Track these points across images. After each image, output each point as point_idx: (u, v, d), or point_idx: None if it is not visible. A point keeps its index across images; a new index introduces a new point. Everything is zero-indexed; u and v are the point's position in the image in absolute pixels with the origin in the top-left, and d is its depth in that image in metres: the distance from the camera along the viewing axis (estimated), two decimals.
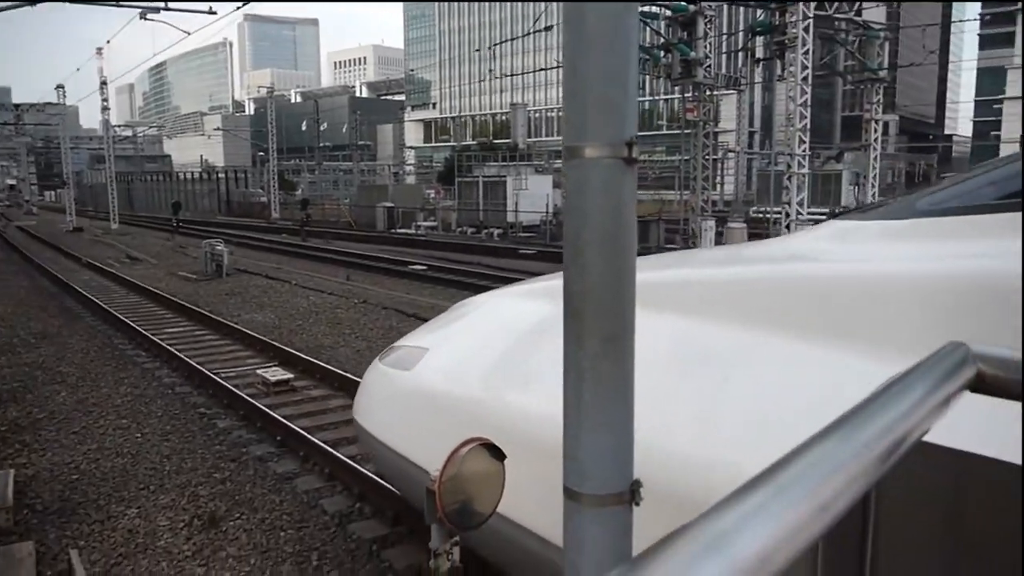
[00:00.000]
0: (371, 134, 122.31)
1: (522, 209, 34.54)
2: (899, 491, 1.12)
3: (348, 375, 9.39)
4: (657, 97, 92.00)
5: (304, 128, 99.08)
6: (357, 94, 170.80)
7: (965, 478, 1.11)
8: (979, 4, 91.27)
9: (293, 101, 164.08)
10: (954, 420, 1.20)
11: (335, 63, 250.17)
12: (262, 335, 12.02)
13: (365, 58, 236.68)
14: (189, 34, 24.55)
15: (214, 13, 24.24)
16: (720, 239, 24.74)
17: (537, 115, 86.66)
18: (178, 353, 10.74)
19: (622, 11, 1.17)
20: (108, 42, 37.09)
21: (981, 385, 0.99)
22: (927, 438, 0.83)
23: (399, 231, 38.70)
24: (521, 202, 34.97)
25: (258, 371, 9.75)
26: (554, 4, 38.87)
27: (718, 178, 47.27)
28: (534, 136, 76.37)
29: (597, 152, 1.18)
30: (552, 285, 3.33)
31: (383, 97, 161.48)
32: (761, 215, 30.60)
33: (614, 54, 1.17)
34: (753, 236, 25.71)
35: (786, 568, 0.55)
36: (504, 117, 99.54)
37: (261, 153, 72.96)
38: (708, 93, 19.97)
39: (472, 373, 3.37)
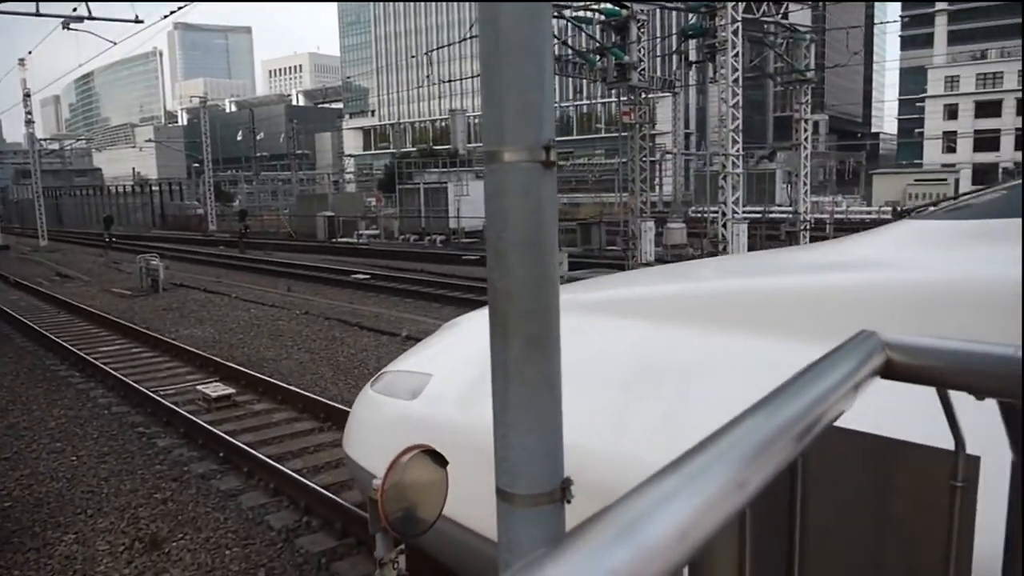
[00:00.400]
0: (309, 143, 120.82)
1: (464, 215, 34.58)
2: (823, 469, 1.18)
3: (292, 388, 9.27)
4: (595, 101, 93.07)
5: (240, 138, 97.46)
6: (294, 103, 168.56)
7: (881, 458, 1.16)
8: (899, 5, 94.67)
9: (228, 111, 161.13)
10: (883, 404, 1.27)
11: (270, 71, 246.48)
12: (202, 350, 11.77)
13: (301, 66, 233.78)
14: (115, 44, 23.87)
15: (140, 22, 23.68)
16: (660, 239, 25.16)
17: (477, 121, 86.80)
18: (113, 372, 10.45)
19: (535, 16, 1.20)
20: (30, 53, 35.84)
21: (891, 371, 1.05)
22: (847, 423, 0.88)
23: (340, 240, 38.32)
24: (463, 208, 35.01)
25: (198, 387, 9.55)
26: None
27: (656, 180, 48.08)
28: (475, 142, 76.45)
29: (515, 156, 1.21)
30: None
31: (320, 105, 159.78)
32: (699, 215, 31.20)
33: (529, 59, 1.20)
34: (692, 236, 26.21)
35: (706, 542, 0.57)
36: (444, 123, 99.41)
37: (196, 164, 71.47)
38: (643, 96, 20.28)
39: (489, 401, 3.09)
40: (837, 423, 1.06)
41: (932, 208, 2.82)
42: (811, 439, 0.86)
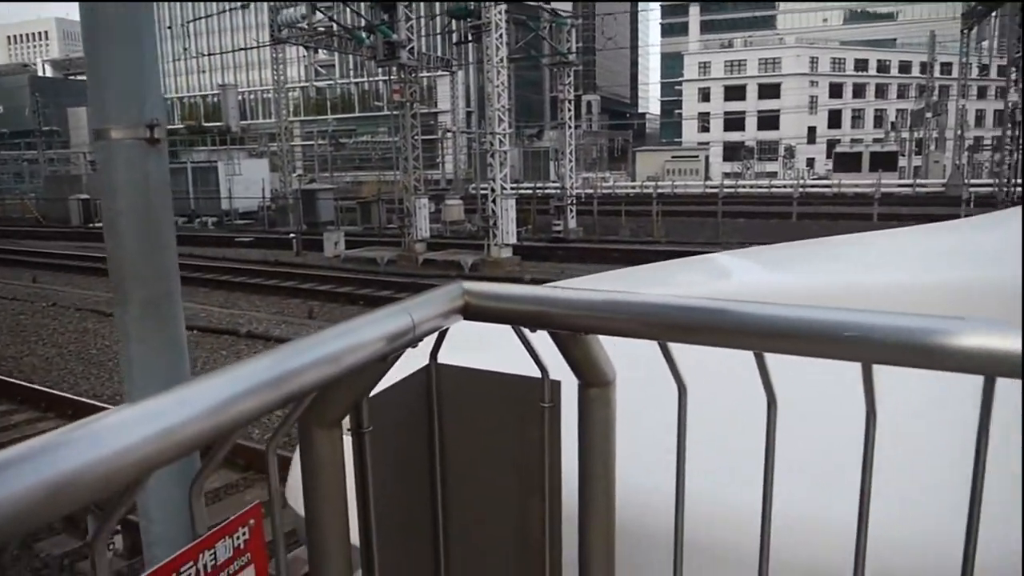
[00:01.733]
0: (61, 118, 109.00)
1: (237, 195, 32.99)
2: (451, 408, 1.37)
3: (35, 386, 8.57)
4: (377, 79, 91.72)
5: None
6: (40, 73, 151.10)
7: (487, 388, 1.37)
8: None
9: None
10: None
11: (8, 37, 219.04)
12: None
13: (47, 32, 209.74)
14: None
15: None
16: (439, 216, 25.55)
17: (252, 96, 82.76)
18: None
19: (134, 5, 1.31)
20: None
21: (468, 312, 1.26)
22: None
23: (98, 225, 35.18)
24: (235, 188, 33.37)
25: None
26: None
27: (439, 158, 48.56)
28: (249, 118, 72.92)
29: (121, 134, 1.31)
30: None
31: (73, 77, 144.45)
32: (480, 192, 31.99)
33: (131, 44, 1.30)
34: (469, 212, 26.85)
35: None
36: (216, 99, 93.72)
37: None
38: (413, 75, 20.41)
39: None
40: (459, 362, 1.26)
41: None
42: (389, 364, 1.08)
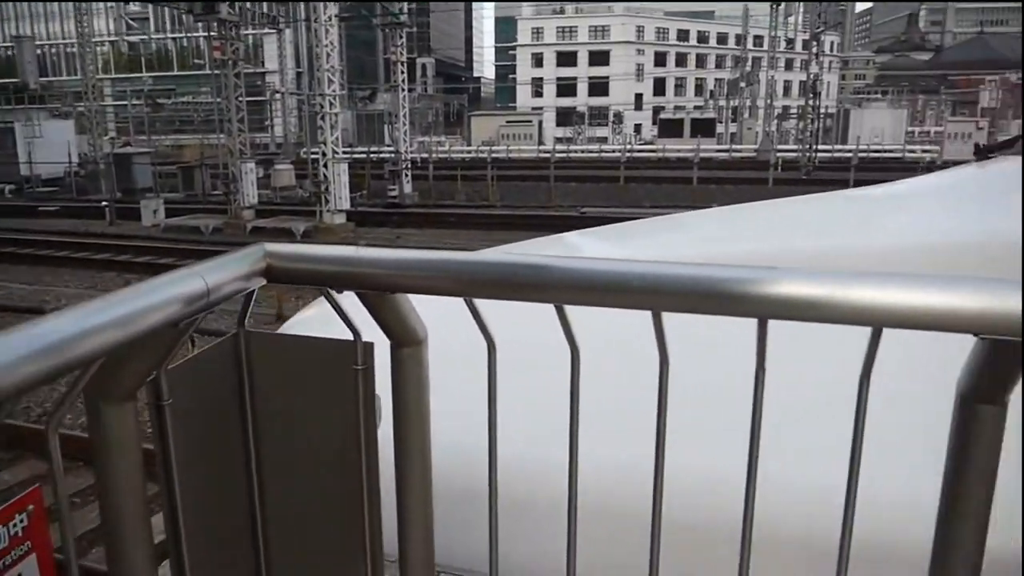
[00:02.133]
0: None
1: (39, 160, 30.08)
2: (261, 374, 1.31)
3: None
4: (198, 34, 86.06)
5: None
6: None
7: (303, 354, 1.33)
8: None
9: None
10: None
11: None
12: None
13: None
14: None
15: None
16: (268, 182, 24.52)
17: (54, 51, 75.32)
18: None
19: None
20: None
21: (272, 275, 1.21)
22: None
23: None
24: (37, 152, 30.39)
25: None
26: None
27: (268, 121, 46.43)
28: (51, 75, 66.52)
29: None
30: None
31: None
32: (312, 156, 30.94)
33: None
34: (301, 177, 25.97)
35: None
36: (9, 52, 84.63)
37: None
38: (235, 31, 19.31)
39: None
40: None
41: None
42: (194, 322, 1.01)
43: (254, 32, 49.37)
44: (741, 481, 1.10)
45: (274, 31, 42.54)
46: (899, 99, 63.51)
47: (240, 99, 19.37)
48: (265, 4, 31.69)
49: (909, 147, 42.57)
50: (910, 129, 51.08)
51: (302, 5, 27.38)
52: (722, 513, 1.22)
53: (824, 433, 1.22)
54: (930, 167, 29.53)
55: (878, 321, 0.92)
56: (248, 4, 23.21)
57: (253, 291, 1.19)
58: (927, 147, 41.03)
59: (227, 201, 19.85)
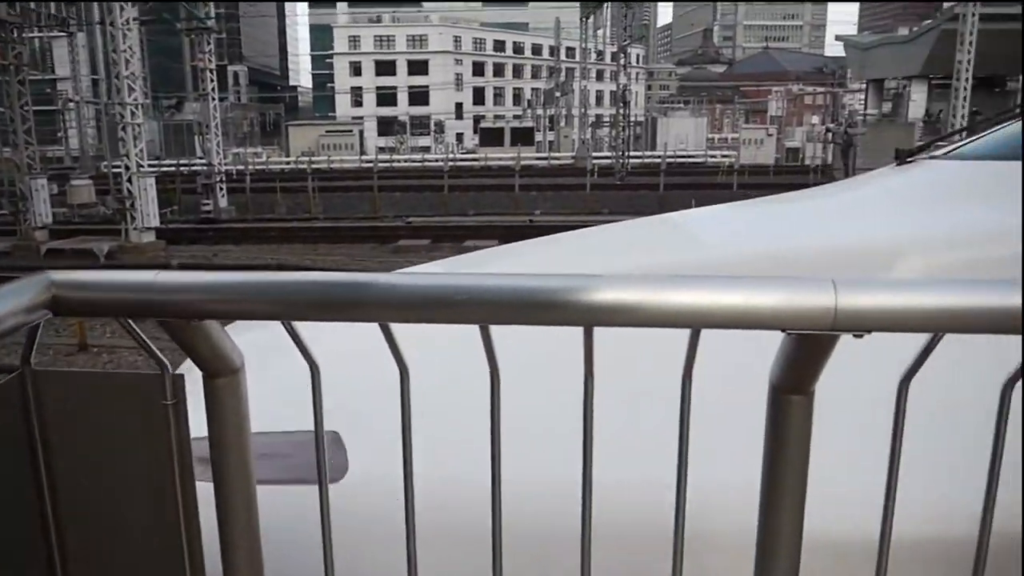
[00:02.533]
0: None
1: None
2: (56, 412, 1.17)
3: None
4: None
5: None
6: None
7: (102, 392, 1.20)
8: None
9: None
10: None
11: None
12: None
13: None
14: None
15: None
16: (64, 199, 22.51)
17: None
18: None
19: None
20: None
21: (60, 307, 1.07)
22: None
23: None
24: None
25: None
26: None
27: (60, 132, 42.69)
28: None
29: None
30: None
31: None
32: (114, 170, 28.74)
33: None
34: (102, 193, 24.04)
35: None
36: None
37: None
38: (16, 33, 17.59)
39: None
40: None
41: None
42: None
43: (40, 36, 45.28)
44: (577, 487, 1.11)
45: (64, 34, 39.27)
46: (699, 108, 68.46)
47: (26, 108, 17.66)
48: (53, 4, 29.13)
49: (710, 152, 45.99)
50: (710, 136, 55.19)
51: (95, 6, 25.42)
52: (561, 518, 1.23)
53: (653, 432, 1.25)
54: (730, 170, 32.11)
55: (696, 323, 0.96)
56: (32, 4, 21.20)
57: (38, 325, 1.07)
58: (726, 152, 44.53)
59: (15, 221, 18.05)
